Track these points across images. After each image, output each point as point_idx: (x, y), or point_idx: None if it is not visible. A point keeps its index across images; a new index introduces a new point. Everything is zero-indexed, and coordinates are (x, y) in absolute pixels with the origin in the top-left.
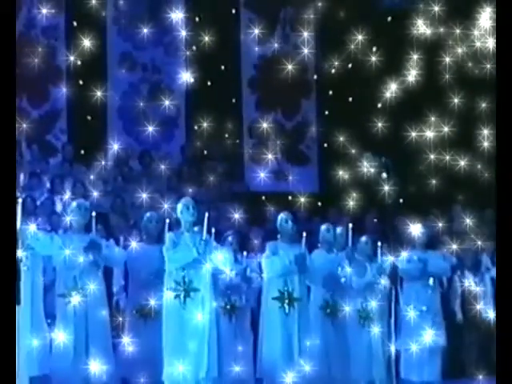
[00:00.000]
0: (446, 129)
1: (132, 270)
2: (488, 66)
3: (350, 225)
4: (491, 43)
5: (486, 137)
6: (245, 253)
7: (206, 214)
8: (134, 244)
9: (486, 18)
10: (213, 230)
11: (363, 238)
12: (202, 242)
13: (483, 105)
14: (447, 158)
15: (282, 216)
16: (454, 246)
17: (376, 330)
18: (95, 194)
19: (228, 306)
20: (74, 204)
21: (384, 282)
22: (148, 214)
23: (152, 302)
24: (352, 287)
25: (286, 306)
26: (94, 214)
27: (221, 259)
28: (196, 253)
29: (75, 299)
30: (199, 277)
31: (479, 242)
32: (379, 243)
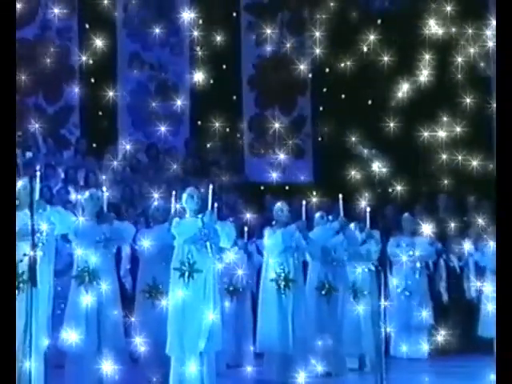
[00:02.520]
0: (435, 123)
1: (141, 247)
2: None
3: (341, 195)
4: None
5: (468, 131)
6: (246, 228)
7: (211, 186)
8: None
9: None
10: (215, 205)
11: (351, 225)
12: (207, 212)
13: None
14: (435, 150)
15: (278, 205)
16: (440, 232)
17: (367, 309)
18: (106, 184)
19: (231, 288)
20: (87, 193)
21: (373, 248)
22: (155, 203)
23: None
24: (344, 256)
25: (282, 287)
26: (104, 189)
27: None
28: (201, 222)
29: (87, 280)
30: (203, 259)
31: (463, 229)
32: (368, 209)
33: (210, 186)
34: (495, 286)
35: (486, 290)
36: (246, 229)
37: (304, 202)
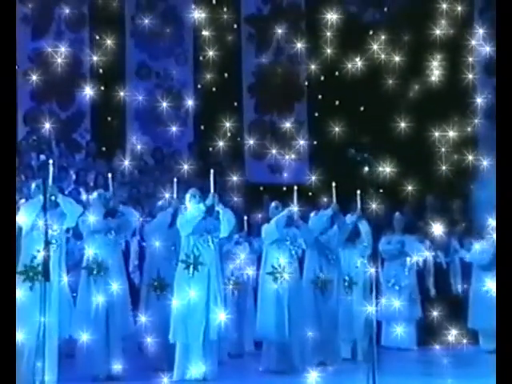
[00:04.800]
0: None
1: (147, 235)
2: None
3: (334, 183)
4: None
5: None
6: (246, 225)
7: (212, 171)
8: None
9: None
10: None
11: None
12: (210, 195)
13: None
14: (423, 152)
15: (273, 205)
16: (428, 231)
17: (360, 300)
18: (114, 185)
19: (233, 279)
20: (95, 193)
21: (365, 228)
22: (160, 203)
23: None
24: (339, 248)
25: (279, 280)
26: (110, 175)
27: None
28: (204, 206)
29: (96, 271)
30: (206, 252)
31: (450, 228)
32: (358, 191)
33: (211, 171)
34: (482, 280)
35: (471, 284)
36: (245, 225)
37: (296, 188)
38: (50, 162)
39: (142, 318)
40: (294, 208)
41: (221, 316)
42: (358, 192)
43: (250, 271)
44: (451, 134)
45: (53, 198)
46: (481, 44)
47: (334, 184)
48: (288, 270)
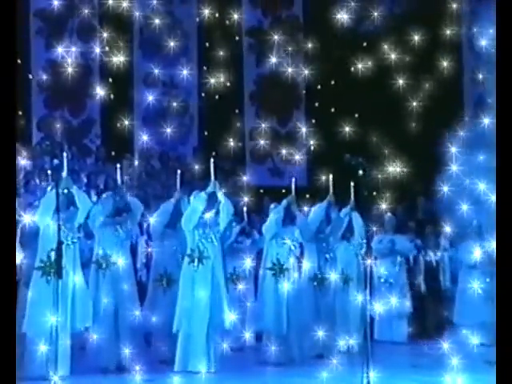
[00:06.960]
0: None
1: (152, 225)
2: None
3: (331, 176)
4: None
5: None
6: (245, 208)
7: (212, 160)
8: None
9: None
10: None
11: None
12: (211, 183)
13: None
14: (412, 156)
15: (272, 206)
16: (419, 230)
17: (354, 296)
18: (123, 176)
19: (234, 276)
20: (104, 195)
21: (359, 221)
22: (165, 204)
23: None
24: (335, 245)
25: (278, 275)
26: (118, 166)
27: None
28: (205, 195)
29: (105, 267)
30: (210, 247)
31: (439, 228)
32: (352, 183)
33: (211, 160)
34: (470, 278)
35: (459, 281)
36: (245, 217)
37: (293, 180)
38: (65, 155)
39: (149, 312)
40: (292, 197)
41: (225, 310)
42: (352, 184)
43: (251, 266)
44: (443, 134)
45: (65, 191)
46: (478, 47)
47: (331, 176)
48: (287, 266)
